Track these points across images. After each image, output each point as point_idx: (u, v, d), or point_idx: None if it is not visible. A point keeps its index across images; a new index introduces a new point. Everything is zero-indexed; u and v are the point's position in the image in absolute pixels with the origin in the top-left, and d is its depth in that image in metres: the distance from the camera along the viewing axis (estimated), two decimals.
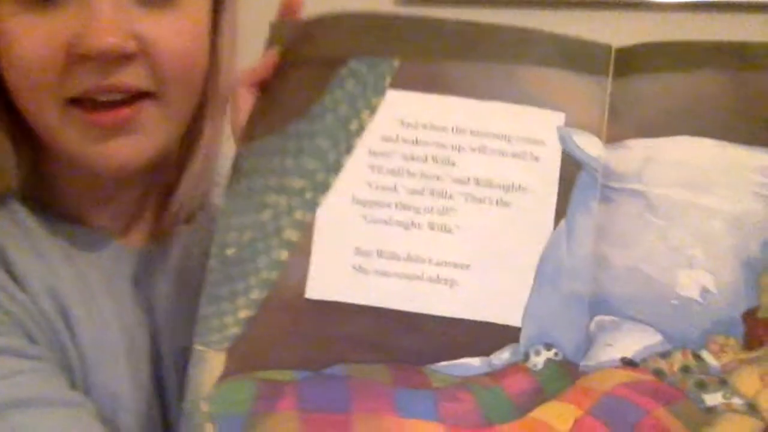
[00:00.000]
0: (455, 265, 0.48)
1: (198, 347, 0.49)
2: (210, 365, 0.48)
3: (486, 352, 0.47)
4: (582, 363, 0.47)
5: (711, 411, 0.46)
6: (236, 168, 0.52)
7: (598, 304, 0.48)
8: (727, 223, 0.48)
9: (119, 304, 0.60)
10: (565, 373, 0.47)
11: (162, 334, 0.61)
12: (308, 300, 0.48)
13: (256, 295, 0.49)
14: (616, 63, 0.50)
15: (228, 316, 0.49)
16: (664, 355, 0.47)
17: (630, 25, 1.45)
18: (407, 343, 0.47)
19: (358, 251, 0.48)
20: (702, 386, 0.46)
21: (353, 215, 0.49)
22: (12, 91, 0.55)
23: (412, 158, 0.49)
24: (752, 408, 0.45)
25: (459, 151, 0.49)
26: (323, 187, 0.49)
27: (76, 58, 0.51)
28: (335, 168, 0.50)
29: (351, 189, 0.49)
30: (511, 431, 0.45)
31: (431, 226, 0.48)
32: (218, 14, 0.58)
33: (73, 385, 0.56)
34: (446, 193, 0.48)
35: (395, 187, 0.49)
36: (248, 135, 0.52)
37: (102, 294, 0.59)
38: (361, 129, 0.50)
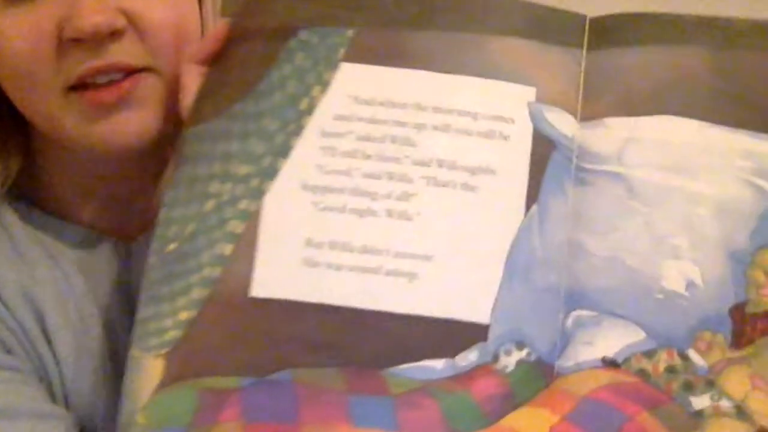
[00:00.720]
0: (415, 257, 0.43)
1: (134, 353, 0.44)
2: (147, 373, 0.43)
3: (450, 353, 0.42)
4: (558, 363, 0.43)
5: (698, 415, 0.41)
6: (181, 155, 0.47)
7: (575, 298, 0.43)
8: (713, 211, 0.43)
9: (105, 304, 0.58)
10: (539, 375, 0.43)
11: None
12: (253, 299, 0.43)
13: (197, 294, 0.44)
14: (591, 34, 0.45)
15: (167, 319, 0.44)
16: (649, 354, 0.42)
17: None
18: (362, 345, 0.42)
19: (309, 243, 0.43)
20: (689, 388, 0.42)
21: (303, 203, 0.44)
22: (5, 88, 0.54)
23: (368, 139, 0.44)
24: (741, 411, 0.41)
25: (420, 130, 0.44)
26: (270, 173, 0.44)
27: (67, 42, 0.50)
28: (283, 151, 0.45)
29: (301, 174, 0.44)
30: None
31: (389, 214, 0.43)
32: None
33: (52, 395, 0.55)
34: (406, 176, 0.43)
35: (349, 171, 0.44)
36: (194, 117, 0.48)
37: (85, 295, 0.58)
38: (311, 107, 0.45)
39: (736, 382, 0.42)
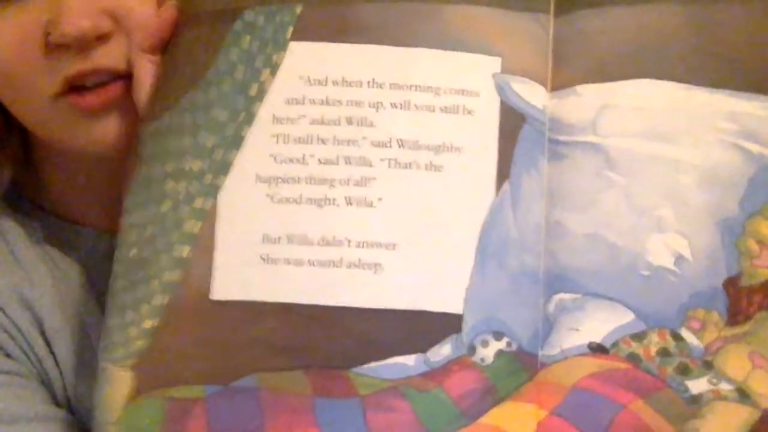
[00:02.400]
0: (379, 246, 0.39)
1: (103, 364, 0.42)
2: (117, 384, 0.41)
3: (421, 348, 0.38)
4: (541, 353, 0.39)
5: (696, 400, 0.38)
6: (137, 154, 0.45)
7: (555, 281, 0.40)
8: (698, 178, 0.40)
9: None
10: (522, 367, 0.39)
11: None
12: (213, 301, 0.40)
13: (159, 300, 0.41)
14: None
15: (132, 328, 0.42)
16: (638, 336, 0.39)
17: None
18: (326, 344, 0.39)
19: (266, 239, 0.40)
20: (684, 371, 0.38)
21: (257, 196, 0.41)
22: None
23: (323, 122, 0.41)
24: (743, 393, 0.38)
25: (377, 109, 0.40)
26: (223, 168, 0.41)
27: (54, 47, 0.50)
28: (235, 143, 0.41)
29: (253, 165, 0.41)
30: None
31: (349, 201, 0.40)
32: None
33: (54, 398, 0.55)
34: (365, 159, 0.40)
35: (304, 158, 0.40)
36: (148, 114, 0.45)
37: (87, 297, 0.57)
38: (261, 93, 0.41)
39: (735, 362, 0.38)
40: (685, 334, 0.39)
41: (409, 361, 0.39)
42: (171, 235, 0.42)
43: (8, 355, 0.55)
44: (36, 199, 0.60)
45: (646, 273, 0.39)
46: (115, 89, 0.51)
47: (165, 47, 0.47)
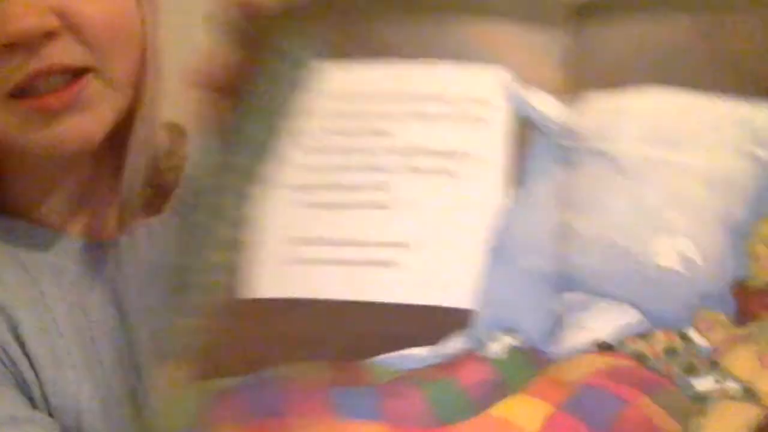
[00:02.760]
0: (393, 245, 0.42)
1: (152, 362, 0.48)
2: (167, 377, 0.43)
3: (434, 341, 0.40)
4: (550, 350, 0.41)
5: (701, 398, 0.38)
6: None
7: (565, 281, 0.41)
8: (707, 183, 0.41)
9: (75, 305, 0.57)
10: (531, 362, 0.40)
11: (136, 330, 0.59)
12: (244, 300, 0.43)
13: (200, 302, 0.44)
14: (570, 12, 0.45)
15: (179, 328, 0.45)
16: (645, 335, 0.40)
17: None
18: (344, 337, 0.41)
19: (288, 241, 0.43)
20: (691, 370, 0.39)
21: (289, 203, 0.44)
22: None
23: (342, 133, 0.44)
24: (749, 392, 0.38)
25: (392, 118, 0.43)
26: (258, 178, 0.45)
27: (3, 47, 0.50)
28: (269, 155, 0.45)
29: (285, 175, 0.44)
30: (468, 431, 0.39)
31: (366, 205, 0.42)
32: None
33: (31, 400, 0.55)
34: (380, 166, 0.43)
35: (324, 167, 0.43)
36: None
37: (54, 297, 0.57)
38: (292, 109, 0.45)
39: (743, 362, 0.39)
40: (692, 334, 0.39)
41: (422, 352, 0.40)
42: (210, 241, 0.45)
43: None
44: (1, 203, 0.59)
45: (653, 274, 0.40)
46: (72, 91, 0.51)
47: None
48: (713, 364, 0.39)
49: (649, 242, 0.41)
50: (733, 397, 0.38)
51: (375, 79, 0.44)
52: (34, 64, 0.50)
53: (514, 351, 0.41)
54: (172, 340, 0.45)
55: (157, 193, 0.62)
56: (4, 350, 0.54)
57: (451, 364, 0.40)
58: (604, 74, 0.43)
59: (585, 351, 0.40)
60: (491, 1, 0.44)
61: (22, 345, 0.55)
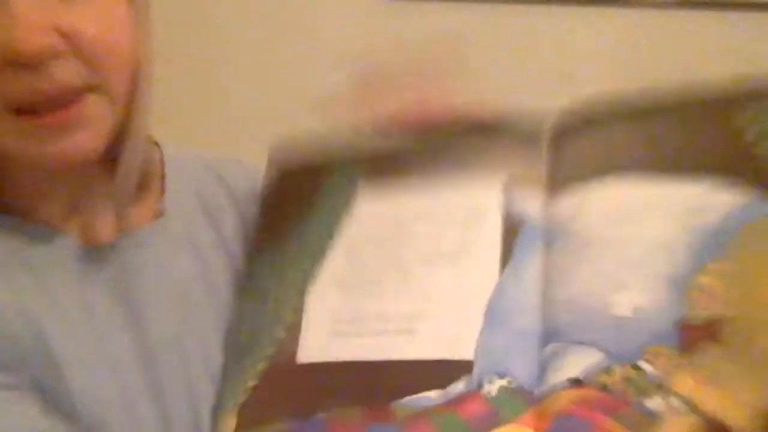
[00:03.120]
0: (414, 317, 0.55)
1: (216, 412, 0.59)
2: (225, 426, 0.57)
3: (442, 385, 0.52)
4: (536, 389, 0.51)
5: (653, 414, 0.47)
6: (247, 273, 0.63)
7: (549, 335, 0.52)
8: (652, 248, 0.52)
9: (87, 305, 0.59)
10: (521, 400, 0.51)
11: (150, 329, 0.60)
12: (298, 365, 0.57)
13: (260, 367, 0.58)
14: (549, 131, 0.58)
15: (239, 387, 0.58)
16: (607, 369, 0.50)
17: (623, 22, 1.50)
18: (376, 386, 0.54)
19: (337, 321, 0.57)
20: (642, 393, 0.48)
21: (334, 293, 0.59)
22: None
23: (377, 243, 0.59)
24: (690, 406, 0.46)
25: (412, 230, 0.59)
26: (312, 276, 0.60)
27: (7, 66, 0.51)
28: (321, 262, 0.60)
29: (332, 273, 0.59)
30: None
31: (394, 291, 0.57)
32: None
33: (54, 407, 0.55)
34: (404, 263, 0.57)
35: (365, 267, 0.58)
36: (257, 246, 0.64)
37: (66, 298, 0.58)
38: (339, 228, 0.61)
39: (682, 382, 0.47)
40: (642, 364, 0.48)
41: (434, 394, 0.52)
42: (273, 323, 0.59)
43: (5, 368, 0.54)
44: (3, 203, 0.59)
45: (612, 323, 0.51)
46: (73, 110, 0.53)
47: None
48: (659, 387, 0.48)
49: (607, 298, 0.51)
50: (676, 410, 0.46)
51: (400, 203, 0.60)
52: (38, 83, 0.52)
53: (506, 390, 0.51)
54: (231, 396, 0.58)
55: (144, 197, 0.64)
56: (29, 358, 0.55)
57: (455, 401, 0.52)
58: (574, 174, 0.56)
59: (562, 387, 0.50)
60: (491, 128, 0.59)
61: (45, 348, 0.55)
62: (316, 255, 0.60)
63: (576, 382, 0.50)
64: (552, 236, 0.55)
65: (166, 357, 0.60)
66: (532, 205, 0.57)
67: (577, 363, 0.51)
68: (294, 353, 0.58)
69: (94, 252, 0.60)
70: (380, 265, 0.58)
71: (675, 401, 0.47)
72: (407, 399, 0.53)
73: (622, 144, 0.56)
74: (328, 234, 0.61)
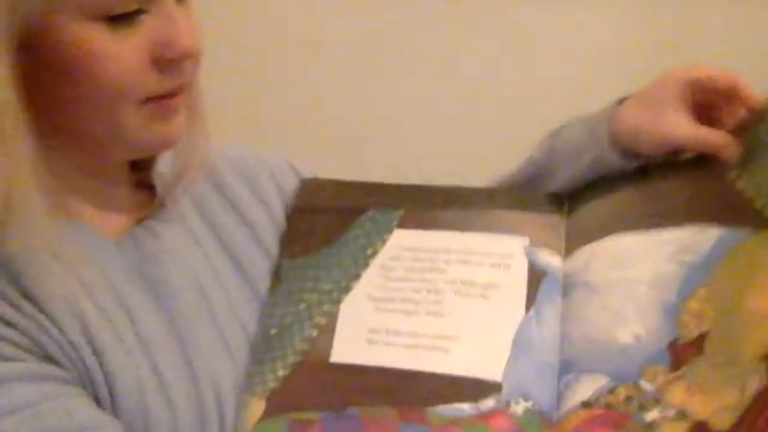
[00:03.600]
0: (447, 338, 0.63)
1: (244, 397, 0.64)
2: (252, 409, 0.63)
3: (474, 400, 0.60)
4: (554, 413, 0.59)
5: (651, 425, 0.55)
6: (277, 275, 0.71)
7: (564, 367, 0.61)
8: (649, 285, 0.61)
9: (117, 292, 0.62)
10: (541, 422, 0.59)
11: (175, 311, 0.63)
12: (331, 363, 0.64)
13: (291, 360, 0.65)
14: (568, 203, 0.69)
15: (268, 374, 0.65)
16: (612, 390, 0.57)
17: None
18: (409, 392, 0.61)
19: (371, 330, 0.65)
20: (642, 408, 0.55)
21: (368, 306, 0.67)
22: (80, 101, 0.58)
23: (413, 270, 0.68)
24: (682, 414, 0.54)
25: (447, 263, 0.67)
26: (346, 290, 0.68)
27: (164, 63, 0.58)
28: (356, 277, 0.69)
29: (366, 289, 0.68)
30: None
31: (427, 313, 0.65)
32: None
33: (97, 401, 0.58)
34: (439, 291, 0.66)
35: (400, 289, 0.67)
36: (289, 253, 0.72)
37: (98, 287, 0.61)
38: (375, 253, 0.70)
39: (676, 394, 0.55)
40: (642, 383, 0.56)
41: (465, 407, 0.60)
42: (305, 323, 0.67)
43: (56, 363, 0.56)
44: None
45: (616, 351, 0.59)
46: (184, 95, 0.61)
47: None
48: (657, 401, 0.55)
49: (613, 332, 0.60)
50: (671, 420, 0.54)
51: (436, 241, 0.69)
52: (179, 79, 0.59)
53: (530, 412, 0.59)
54: (261, 381, 0.64)
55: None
56: (76, 351, 0.57)
57: (485, 416, 0.59)
58: (586, 235, 0.66)
59: (575, 410, 0.58)
60: (513, 199, 0.70)
61: (90, 339, 0.58)
62: (351, 272, 0.69)
63: (586, 405, 0.58)
64: (569, 287, 0.64)
65: (193, 339, 0.64)
66: (551, 260, 0.66)
67: (588, 388, 0.58)
68: (327, 352, 0.65)
69: (116, 243, 0.65)
70: (413, 289, 0.67)
71: (670, 411, 0.54)
72: (440, 407, 0.60)
73: (623, 202, 0.67)
74: (363, 255, 0.69)
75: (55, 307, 0.57)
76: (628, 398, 0.57)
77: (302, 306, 0.69)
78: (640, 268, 0.62)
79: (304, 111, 1.61)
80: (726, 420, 0.52)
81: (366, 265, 0.70)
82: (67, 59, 0.56)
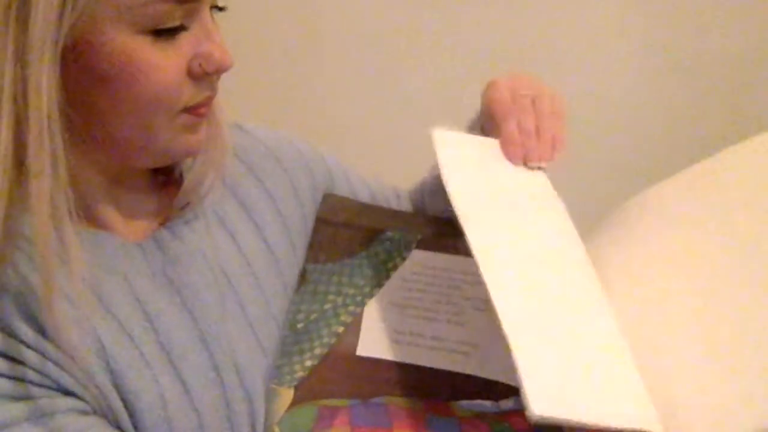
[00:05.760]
0: (467, 344, 0.65)
1: (272, 386, 0.63)
2: (281, 398, 0.62)
3: (495, 398, 0.61)
4: None
5: None
6: (304, 277, 0.71)
7: None
8: None
9: (140, 301, 0.62)
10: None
11: (200, 313, 0.64)
12: (358, 356, 0.64)
13: (318, 351, 0.64)
14: None
15: (296, 365, 0.64)
16: None
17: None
18: (434, 387, 0.62)
19: (396, 331, 0.66)
20: None
21: (391, 311, 0.68)
22: (118, 110, 0.59)
23: (432, 284, 0.70)
24: None
25: (464, 282, 0.70)
26: (369, 295, 0.69)
27: (200, 75, 0.60)
28: (377, 286, 0.70)
29: (389, 297, 0.69)
30: None
31: (448, 321, 0.67)
32: None
33: (117, 424, 0.58)
34: (458, 303, 0.68)
35: (421, 299, 0.68)
36: (314, 258, 0.73)
37: (117, 298, 0.61)
38: (395, 267, 0.71)
39: None
40: None
41: (488, 404, 0.61)
42: (330, 320, 0.67)
43: (72, 394, 0.57)
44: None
45: None
46: (210, 108, 0.63)
47: None
48: None
49: None
50: None
51: (452, 262, 0.71)
52: (205, 92, 0.61)
53: (545, 418, 0.60)
54: (289, 372, 0.64)
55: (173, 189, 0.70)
56: (92, 379, 0.58)
57: (508, 414, 0.61)
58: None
59: None
60: None
61: (107, 361, 0.59)
62: (374, 281, 0.70)
63: None
64: None
65: (216, 339, 0.64)
66: None
67: None
68: (354, 345, 0.65)
69: (138, 248, 0.65)
70: (434, 300, 0.68)
71: None
72: (464, 402, 0.61)
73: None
74: (384, 267, 0.71)
75: (69, 336, 0.57)
76: None
77: (328, 305, 0.69)
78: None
79: (304, 111, 1.59)
80: None
81: (387, 276, 0.72)
82: (112, 68, 0.57)
